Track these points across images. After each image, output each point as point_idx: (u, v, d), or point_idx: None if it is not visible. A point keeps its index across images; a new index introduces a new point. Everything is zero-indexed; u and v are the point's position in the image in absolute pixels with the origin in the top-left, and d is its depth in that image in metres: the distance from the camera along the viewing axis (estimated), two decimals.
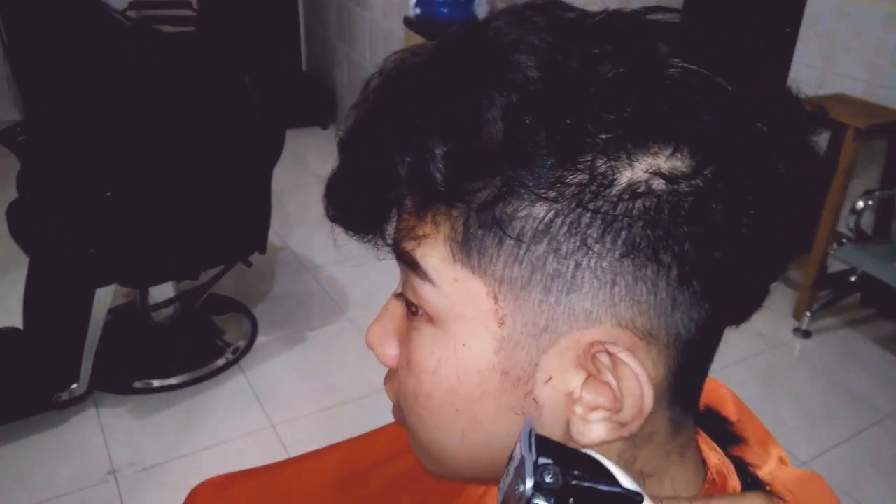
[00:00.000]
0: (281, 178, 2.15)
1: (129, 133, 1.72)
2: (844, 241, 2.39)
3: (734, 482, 0.45)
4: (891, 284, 2.27)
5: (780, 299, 2.67)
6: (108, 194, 1.68)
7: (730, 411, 0.56)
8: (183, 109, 1.78)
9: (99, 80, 1.71)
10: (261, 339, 2.25)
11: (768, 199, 0.35)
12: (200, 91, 1.81)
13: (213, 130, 1.81)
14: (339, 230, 0.41)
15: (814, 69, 2.74)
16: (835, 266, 2.55)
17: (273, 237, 2.36)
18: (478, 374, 0.38)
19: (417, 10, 2.90)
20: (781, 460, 0.53)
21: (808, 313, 2.46)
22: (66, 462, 1.76)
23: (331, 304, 2.49)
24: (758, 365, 2.31)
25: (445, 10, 2.84)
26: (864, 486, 1.84)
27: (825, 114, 0.38)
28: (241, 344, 2.20)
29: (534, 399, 0.38)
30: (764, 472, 0.49)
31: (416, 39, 2.89)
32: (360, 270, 2.75)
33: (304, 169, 3.63)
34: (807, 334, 2.46)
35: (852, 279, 2.51)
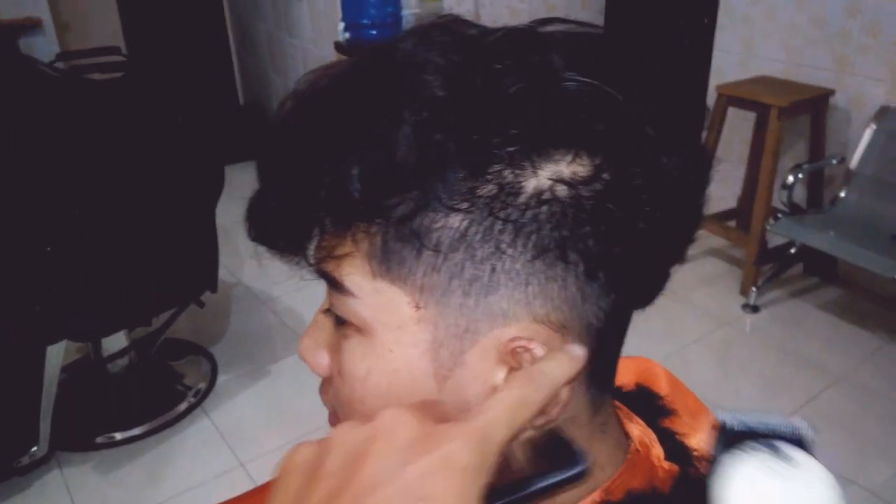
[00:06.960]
0: (228, 213, 2.13)
1: (65, 184, 1.70)
2: (780, 215, 2.47)
3: (657, 451, 0.48)
4: (828, 252, 2.37)
5: (726, 278, 2.75)
6: (49, 249, 1.66)
7: (661, 387, 0.59)
8: (118, 155, 1.77)
9: (31, 134, 1.69)
10: (222, 378, 2.24)
11: (660, 195, 0.38)
12: (134, 135, 1.80)
13: (150, 173, 1.80)
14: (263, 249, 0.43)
15: (734, 55, 2.84)
16: (774, 241, 2.64)
17: (224, 273, 2.34)
18: (407, 377, 0.40)
19: (347, 35, 2.93)
20: (714, 427, 0.56)
21: (754, 289, 2.55)
22: None
23: (290, 335, 2.48)
24: (712, 343, 2.38)
25: (374, 33, 2.87)
26: (824, 446, 1.89)
27: (706, 111, 0.42)
28: (202, 386, 2.18)
29: (462, 397, 0.40)
30: (694, 441, 0.52)
31: None
32: (316, 298, 2.73)
33: None
34: (755, 309, 2.54)
35: (792, 251, 2.60)
